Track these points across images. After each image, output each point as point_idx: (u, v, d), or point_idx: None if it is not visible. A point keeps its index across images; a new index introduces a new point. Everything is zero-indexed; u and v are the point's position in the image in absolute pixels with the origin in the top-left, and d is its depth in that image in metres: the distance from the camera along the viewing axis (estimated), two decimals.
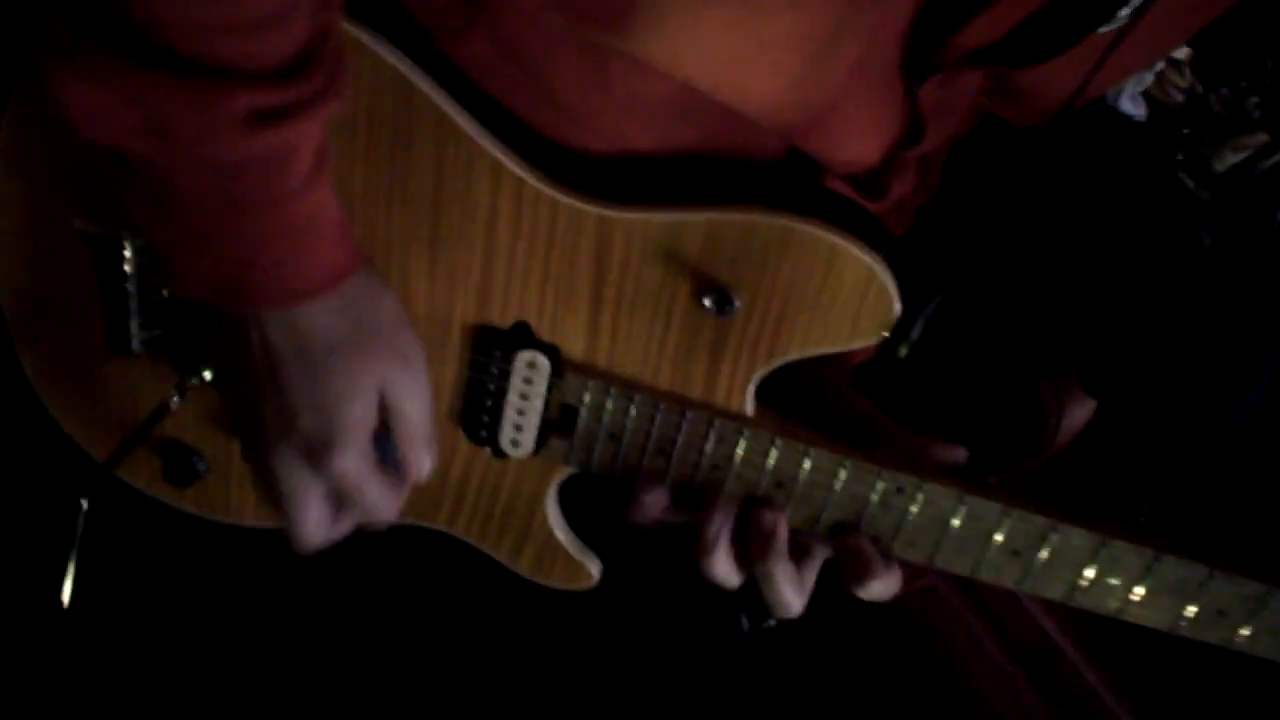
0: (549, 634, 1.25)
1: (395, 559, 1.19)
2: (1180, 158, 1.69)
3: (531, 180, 0.81)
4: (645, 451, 0.89)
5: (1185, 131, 1.71)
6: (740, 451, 0.87)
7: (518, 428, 0.91)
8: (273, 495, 0.82)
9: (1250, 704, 1.62)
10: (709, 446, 0.88)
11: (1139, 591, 0.87)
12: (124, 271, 0.89)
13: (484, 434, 0.92)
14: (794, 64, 0.74)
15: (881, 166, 0.85)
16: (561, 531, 0.98)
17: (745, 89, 0.75)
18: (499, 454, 0.93)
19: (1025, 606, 1.64)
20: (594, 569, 1.00)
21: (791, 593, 0.88)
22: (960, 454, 0.88)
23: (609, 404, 0.88)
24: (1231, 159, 1.69)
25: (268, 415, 0.79)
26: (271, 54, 0.65)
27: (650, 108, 0.79)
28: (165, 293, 0.91)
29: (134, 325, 0.92)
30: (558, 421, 0.90)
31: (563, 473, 0.94)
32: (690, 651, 1.40)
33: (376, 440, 0.83)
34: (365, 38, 0.78)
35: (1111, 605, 0.88)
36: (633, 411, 0.87)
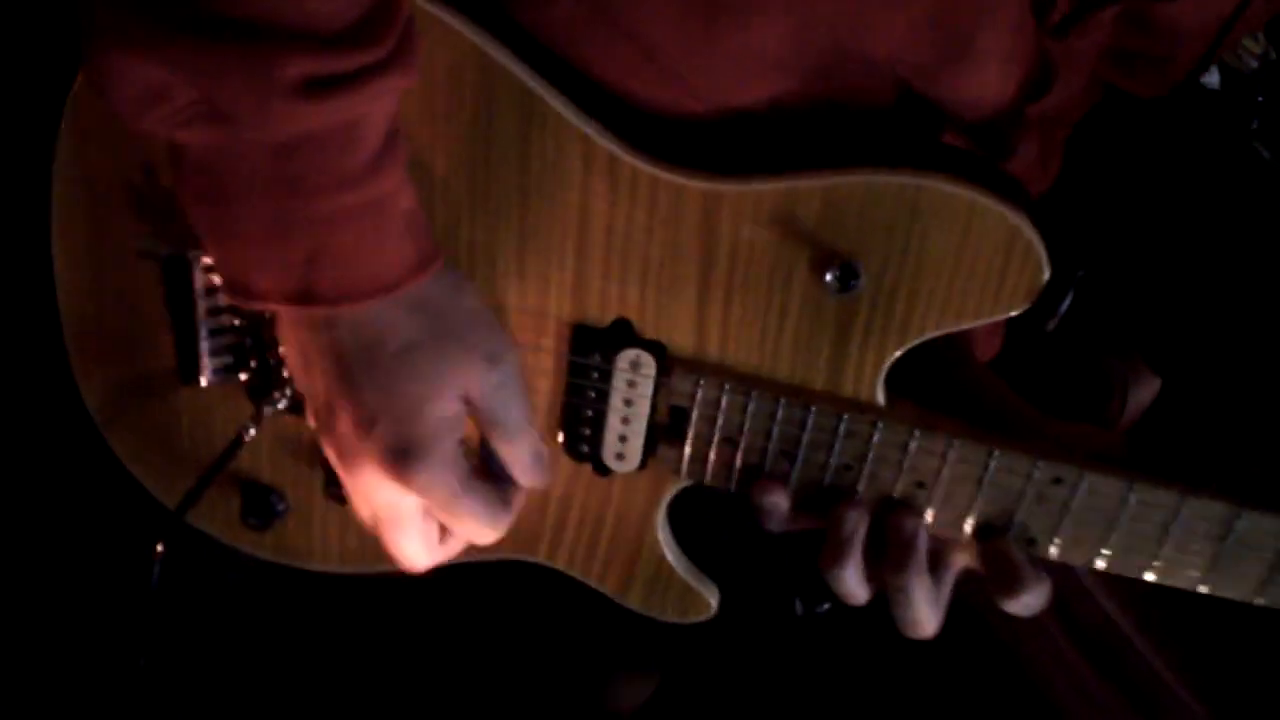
0: (590, 617, 1.18)
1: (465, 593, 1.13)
2: (1255, 126, 1.61)
3: (627, 156, 0.74)
4: (766, 454, 0.80)
5: (1260, 99, 1.62)
6: (874, 447, 0.78)
7: (622, 438, 0.82)
8: (367, 519, 0.75)
9: None
10: (838, 443, 0.78)
11: None
12: (193, 292, 0.83)
13: (585, 449, 0.84)
14: None
15: (1008, 118, 0.77)
16: (674, 556, 0.89)
17: (872, 25, 0.67)
18: (602, 470, 0.85)
19: (1087, 587, 1.57)
20: (711, 599, 0.90)
21: (928, 610, 0.79)
22: (1117, 440, 0.79)
23: (723, 402, 0.79)
24: None
25: (343, 428, 0.73)
26: (331, 14, 0.59)
27: (758, 60, 0.71)
28: (235, 317, 0.85)
29: (204, 350, 0.85)
30: (666, 427, 0.82)
31: (673, 487, 0.85)
32: (742, 636, 1.32)
33: (481, 453, 0.76)
34: (436, 9, 0.72)
35: None
36: (750, 409, 0.79)
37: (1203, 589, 0.79)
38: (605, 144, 0.74)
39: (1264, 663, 1.61)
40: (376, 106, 0.64)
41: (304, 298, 0.67)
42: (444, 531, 0.79)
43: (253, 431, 0.86)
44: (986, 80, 0.73)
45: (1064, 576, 1.59)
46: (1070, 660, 1.62)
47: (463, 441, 0.75)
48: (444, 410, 0.72)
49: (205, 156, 0.63)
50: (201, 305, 0.83)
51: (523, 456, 0.77)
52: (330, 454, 0.75)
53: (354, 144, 0.64)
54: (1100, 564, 0.79)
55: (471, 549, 0.92)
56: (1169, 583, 0.79)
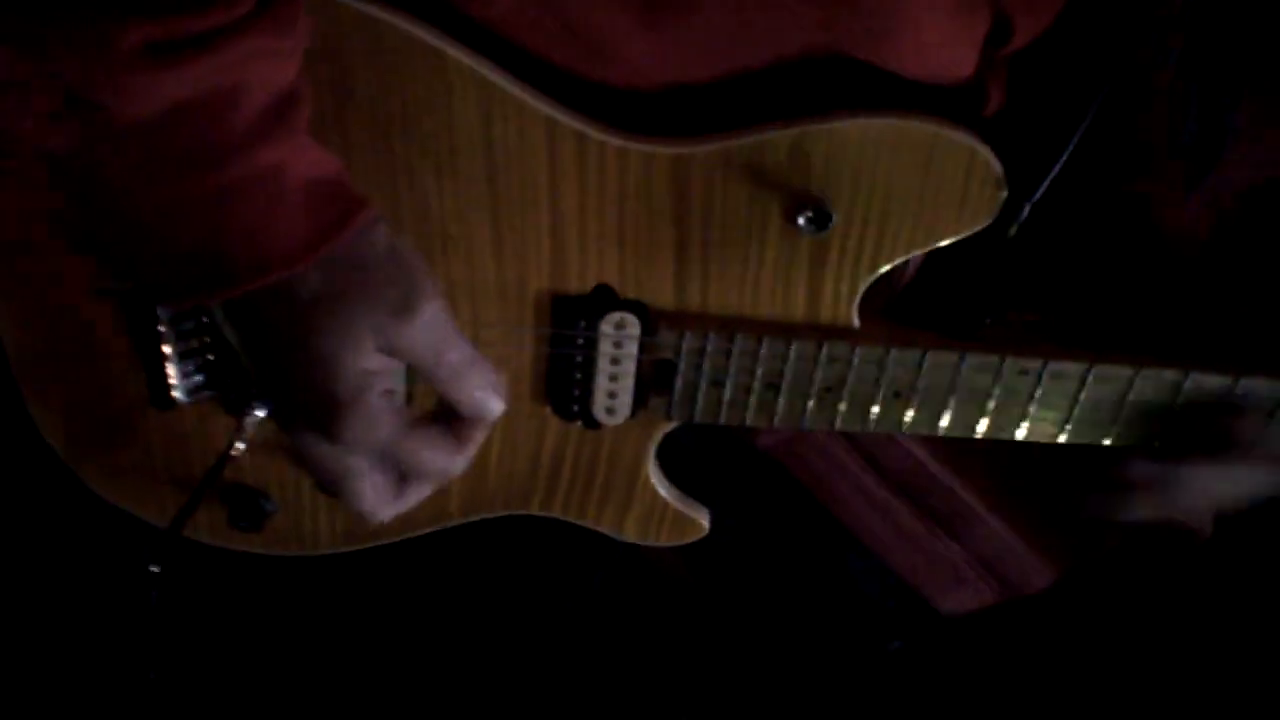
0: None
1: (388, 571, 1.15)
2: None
3: (593, 133, 0.74)
4: (752, 390, 0.84)
5: None
6: (854, 368, 0.82)
7: (611, 395, 0.85)
8: (323, 482, 0.75)
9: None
10: (819, 370, 0.83)
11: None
12: (157, 322, 0.81)
13: (575, 409, 0.86)
14: None
15: (973, 72, 0.79)
16: (665, 489, 0.93)
17: (793, 16, 0.69)
18: (593, 425, 0.87)
19: (898, 440, 1.70)
20: (704, 519, 0.95)
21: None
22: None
23: (708, 349, 0.82)
24: None
25: (279, 403, 0.72)
26: None
27: (700, 46, 0.72)
28: (200, 336, 0.83)
29: (175, 375, 0.84)
30: (654, 378, 0.84)
31: (663, 429, 0.89)
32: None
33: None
34: (382, 13, 0.70)
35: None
36: (734, 352, 0.82)
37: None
38: (569, 122, 0.74)
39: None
40: (247, 72, 0.61)
41: (215, 284, 0.65)
42: (404, 481, 0.78)
43: (241, 445, 0.85)
44: (927, 44, 0.75)
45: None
46: (881, 499, 1.73)
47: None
48: (361, 364, 0.69)
49: (82, 158, 0.60)
50: (166, 332, 0.82)
51: (468, 397, 0.75)
52: (281, 428, 0.75)
53: (226, 114, 0.61)
54: (1068, 438, 0.87)
55: (461, 506, 0.94)
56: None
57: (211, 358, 0.84)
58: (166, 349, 0.82)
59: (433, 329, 0.74)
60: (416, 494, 0.79)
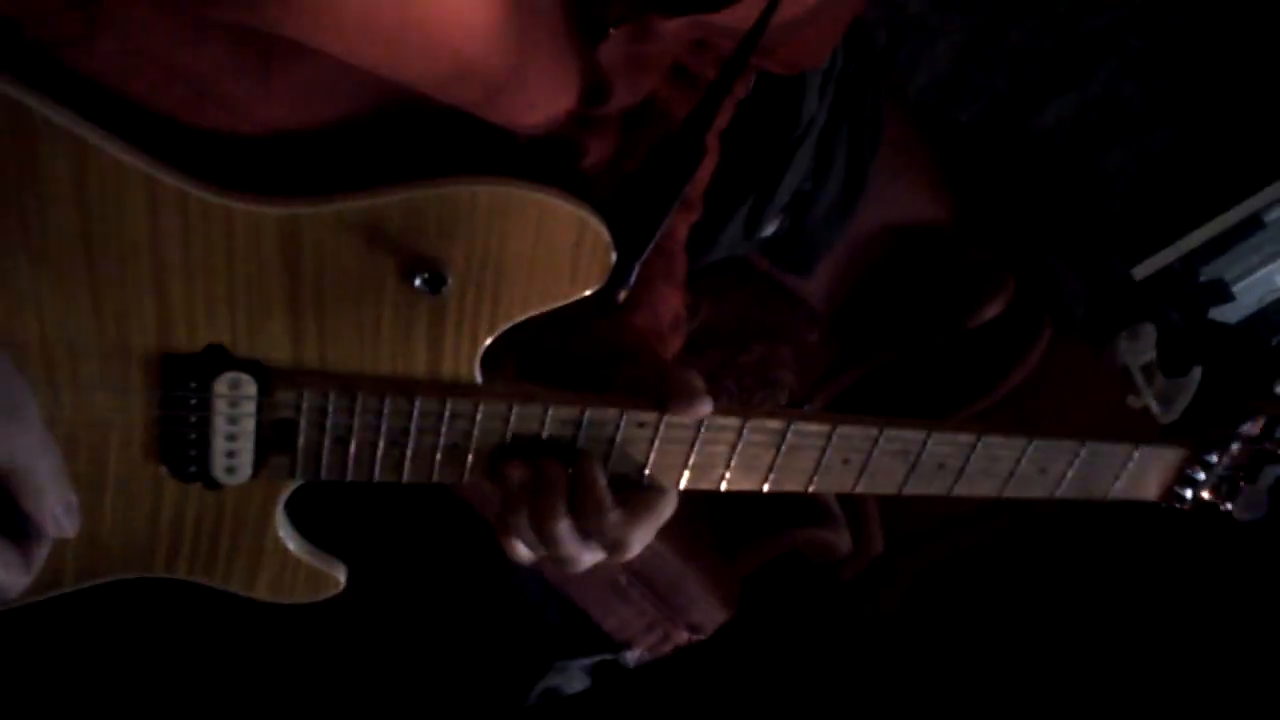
0: None
1: None
2: None
3: (195, 192, 0.72)
4: (378, 447, 0.84)
5: None
6: (479, 423, 0.84)
7: (230, 455, 0.83)
8: None
9: None
10: (445, 426, 0.83)
11: None
12: None
13: (193, 470, 0.83)
14: (455, 40, 0.69)
15: (571, 126, 0.81)
16: (296, 545, 0.91)
17: (408, 66, 0.69)
18: (213, 485, 0.85)
19: None
20: (339, 574, 0.94)
21: (575, 546, 0.84)
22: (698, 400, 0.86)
23: (329, 408, 0.81)
24: None
25: None
26: None
27: (317, 90, 0.72)
28: None
29: None
30: (275, 438, 0.83)
31: (289, 487, 0.87)
32: None
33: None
34: None
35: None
36: (357, 409, 0.82)
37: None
38: (171, 182, 0.71)
39: None
40: None
41: None
42: None
43: None
44: (535, 102, 0.77)
45: None
46: None
47: None
48: None
49: None
50: None
51: (48, 515, 0.73)
52: None
53: None
54: (686, 485, 0.91)
55: (76, 571, 0.89)
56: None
57: None
58: None
59: (35, 433, 0.71)
60: None
